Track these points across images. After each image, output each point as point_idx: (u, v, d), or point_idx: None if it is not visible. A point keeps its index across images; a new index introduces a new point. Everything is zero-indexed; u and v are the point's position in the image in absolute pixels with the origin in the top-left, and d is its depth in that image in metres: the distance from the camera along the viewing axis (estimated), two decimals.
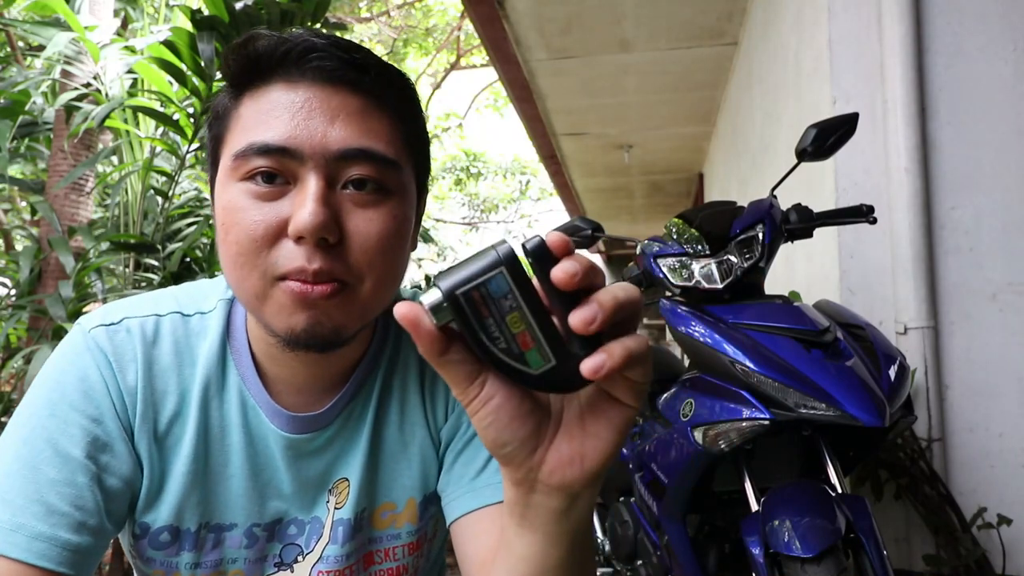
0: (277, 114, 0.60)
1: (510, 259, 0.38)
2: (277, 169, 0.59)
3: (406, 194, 0.65)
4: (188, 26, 2.31)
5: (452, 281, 0.37)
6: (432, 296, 0.38)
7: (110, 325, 0.67)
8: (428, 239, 5.89)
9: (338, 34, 0.71)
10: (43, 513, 0.59)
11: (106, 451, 0.64)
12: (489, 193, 12.02)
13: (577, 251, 0.41)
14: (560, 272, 0.38)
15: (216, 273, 2.60)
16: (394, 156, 0.63)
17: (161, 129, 2.79)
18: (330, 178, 0.60)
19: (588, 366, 0.38)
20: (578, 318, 0.37)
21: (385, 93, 0.64)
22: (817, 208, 1.55)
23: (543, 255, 0.38)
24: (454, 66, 9.78)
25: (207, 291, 0.73)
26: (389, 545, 0.76)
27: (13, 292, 2.85)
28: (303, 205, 0.58)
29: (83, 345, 0.65)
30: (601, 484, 0.48)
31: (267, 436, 0.70)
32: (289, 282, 0.59)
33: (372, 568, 0.76)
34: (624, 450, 1.84)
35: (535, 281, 0.39)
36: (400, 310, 0.38)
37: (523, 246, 0.39)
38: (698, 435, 1.27)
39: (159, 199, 2.71)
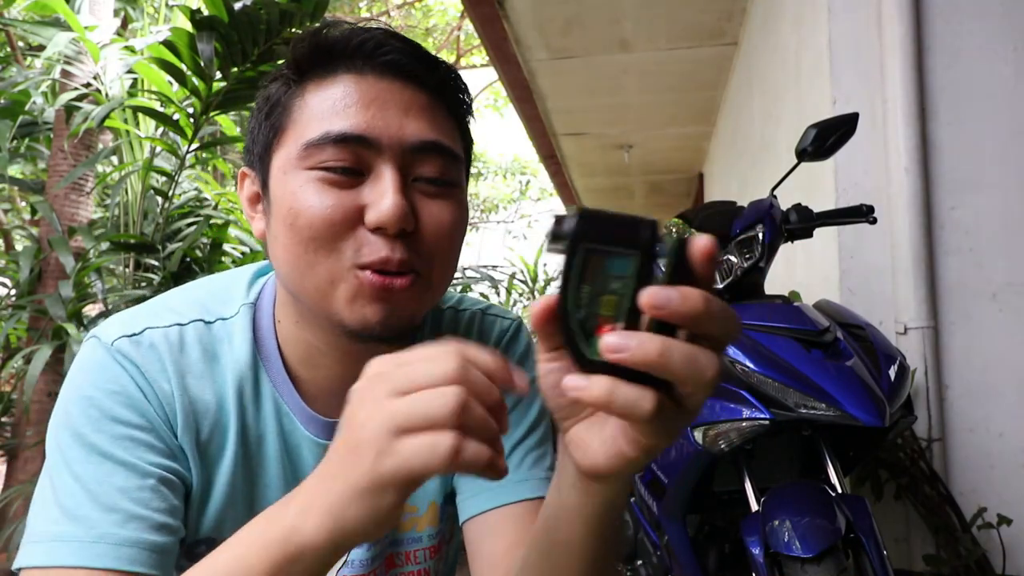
0: (350, 103, 0.60)
1: (648, 248, 0.35)
2: (352, 160, 0.59)
3: (464, 187, 0.67)
4: (188, 26, 2.31)
5: (588, 228, 0.35)
6: (564, 223, 0.35)
7: (132, 336, 0.63)
8: None
9: None
10: (122, 520, 0.57)
11: (160, 454, 0.61)
12: (489, 193, 12.03)
13: None
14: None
15: (216, 271, 2.60)
16: (458, 151, 0.65)
17: (161, 129, 2.79)
18: (403, 170, 0.61)
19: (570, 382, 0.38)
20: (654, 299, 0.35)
21: (447, 91, 0.65)
22: (817, 208, 1.55)
23: (681, 256, 0.36)
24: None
25: (224, 296, 0.71)
26: (411, 548, 0.75)
27: (13, 292, 2.85)
28: (384, 196, 0.58)
29: (109, 358, 0.62)
30: (598, 500, 0.48)
31: (301, 444, 0.68)
32: (370, 273, 0.59)
33: (394, 571, 0.75)
34: None
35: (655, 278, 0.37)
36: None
37: (666, 230, 0.37)
38: (698, 435, 1.27)
39: (159, 199, 2.71)
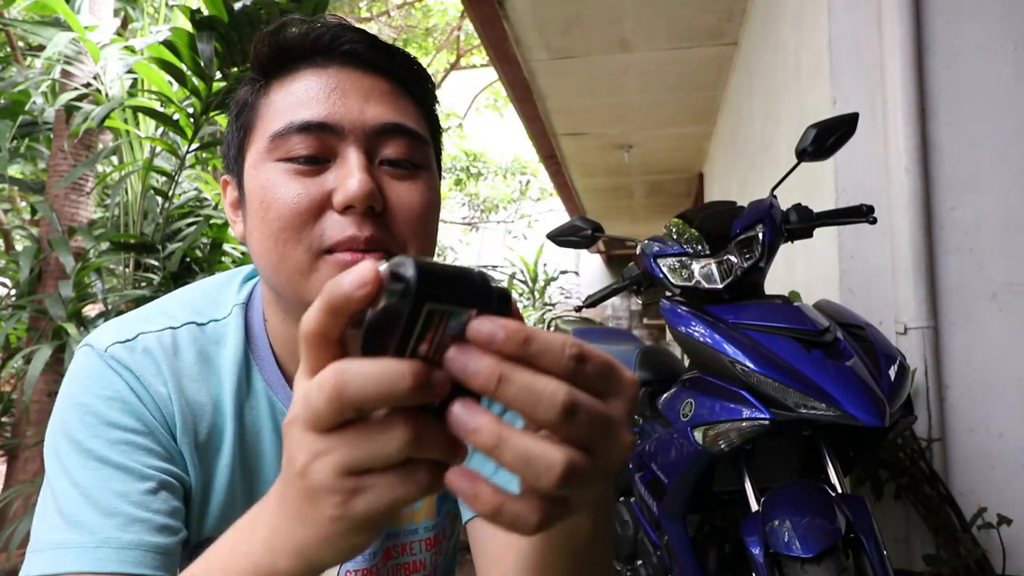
0: (312, 95, 0.61)
1: (483, 303, 0.32)
2: (317, 147, 0.60)
3: (433, 170, 0.68)
4: (188, 26, 2.31)
5: (430, 285, 0.30)
6: (402, 277, 0.31)
7: (126, 341, 0.64)
8: None
9: None
10: (123, 523, 0.57)
11: (158, 457, 0.62)
12: (489, 193, 12.01)
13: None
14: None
15: (216, 271, 2.61)
16: (423, 133, 0.65)
17: (161, 129, 2.79)
18: (369, 153, 0.61)
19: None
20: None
21: (408, 77, 0.66)
22: (817, 208, 1.55)
23: (503, 308, 0.33)
24: (454, 66, 9.78)
25: (216, 297, 0.72)
26: (407, 540, 0.76)
27: (13, 292, 2.85)
28: (350, 175, 0.59)
29: (103, 365, 0.62)
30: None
31: None
32: (338, 255, 0.59)
33: (390, 563, 0.76)
34: None
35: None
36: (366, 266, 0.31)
37: (494, 290, 0.33)
38: (698, 435, 1.27)
39: (159, 199, 2.71)
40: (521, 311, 0.34)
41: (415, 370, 0.30)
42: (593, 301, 1.81)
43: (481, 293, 0.32)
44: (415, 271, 0.30)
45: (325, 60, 0.63)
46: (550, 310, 5.58)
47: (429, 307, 0.30)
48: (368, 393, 0.31)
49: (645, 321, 12.49)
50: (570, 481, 0.31)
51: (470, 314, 0.32)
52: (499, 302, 0.33)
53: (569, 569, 0.52)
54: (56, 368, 2.46)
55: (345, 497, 0.34)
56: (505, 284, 5.42)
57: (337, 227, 0.59)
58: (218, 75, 2.32)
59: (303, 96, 0.61)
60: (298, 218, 0.59)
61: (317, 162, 0.60)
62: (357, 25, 0.67)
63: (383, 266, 0.31)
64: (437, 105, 0.72)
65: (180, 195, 2.81)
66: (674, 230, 1.53)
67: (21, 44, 3.38)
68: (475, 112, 11.38)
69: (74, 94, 2.58)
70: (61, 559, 0.55)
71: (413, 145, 0.63)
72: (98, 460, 0.59)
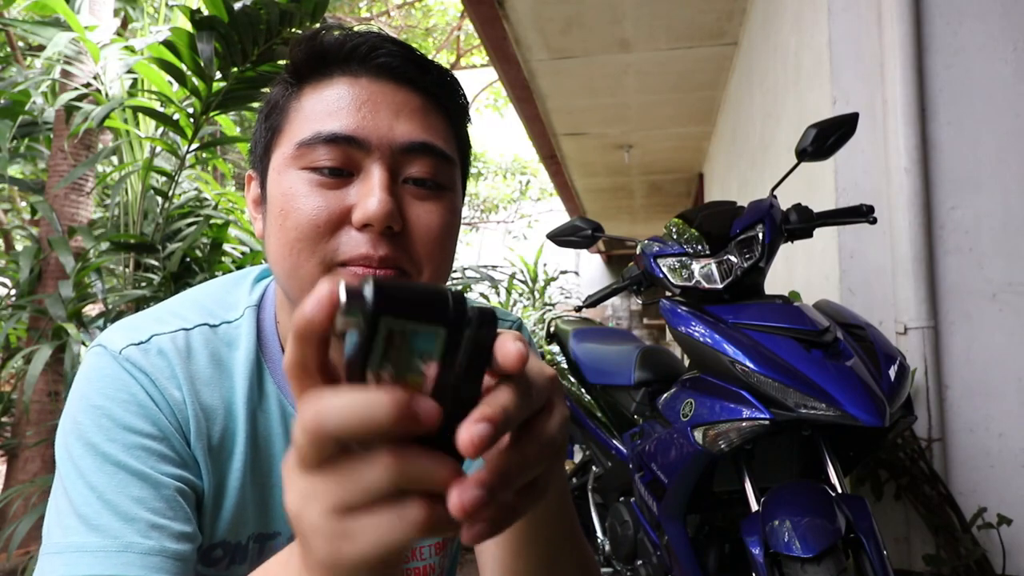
0: (343, 105, 0.61)
1: (455, 323, 0.31)
2: (342, 160, 0.60)
3: (458, 191, 0.67)
4: (188, 26, 2.31)
5: (388, 302, 0.30)
6: (360, 294, 0.30)
7: (140, 344, 0.64)
8: None
9: None
10: (144, 529, 0.57)
11: (173, 464, 0.62)
12: (489, 193, 12.02)
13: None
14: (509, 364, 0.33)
15: (217, 273, 2.61)
16: (451, 153, 0.65)
17: (161, 129, 2.79)
18: (393, 170, 0.61)
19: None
20: (466, 437, 0.30)
21: (441, 93, 0.66)
22: (817, 208, 1.55)
23: (485, 341, 0.32)
24: (454, 66, 9.78)
25: (228, 299, 0.72)
26: (416, 545, 0.76)
27: (13, 292, 2.85)
28: (371, 194, 0.58)
29: (118, 367, 0.62)
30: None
31: None
32: (352, 268, 0.59)
33: (402, 566, 0.76)
34: (624, 450, 1.84)
35: (459, 359, 0.32)
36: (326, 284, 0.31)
37: (471, 311, 0.32)
38: (698, 435, 1.27)
39: (159, 199, 2.71)
40: (514, 357, 0.33)
41: (398, 399, 0.29)
42: (593, 301, 1.81)
43: (450, 311, 0.31)
44: (371, 286, 0.30)
45: (360, 70, 0.62)
46: (550, 310, 5.58)
47: (386, 322, 0.30)
48: (350, 425, 0.30)
49: (645, 321, 12.49)
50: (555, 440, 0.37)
51: (437, 332, 0.31)
52: (479, 323, 0.32)
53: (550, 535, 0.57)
54: (56, 368, 2.46)
55: (334, 542, 0.32)
56: (503, 284, 5.44)
57: (353, 244, 0.59)
58: (218, 75, 2.32)
59: (333, 106, 0.61)
60: (315, 231, 0.59)
61: (341, 175, 0.60)
62: (363, 27, 0.66)
63: (341, 286, 0.31)
64: (468, 120, 0.71)
65: (180, 195, 2.81)
66: (674, 230, 1.53)
67: (21, 44, 3.38)
68: (475, 112, 11.39)
69: (74, 94, 2.58)
70: (81, 561, 0.55)
71: (439, 165, 0.63)
72: (115, 465, 0.58)
